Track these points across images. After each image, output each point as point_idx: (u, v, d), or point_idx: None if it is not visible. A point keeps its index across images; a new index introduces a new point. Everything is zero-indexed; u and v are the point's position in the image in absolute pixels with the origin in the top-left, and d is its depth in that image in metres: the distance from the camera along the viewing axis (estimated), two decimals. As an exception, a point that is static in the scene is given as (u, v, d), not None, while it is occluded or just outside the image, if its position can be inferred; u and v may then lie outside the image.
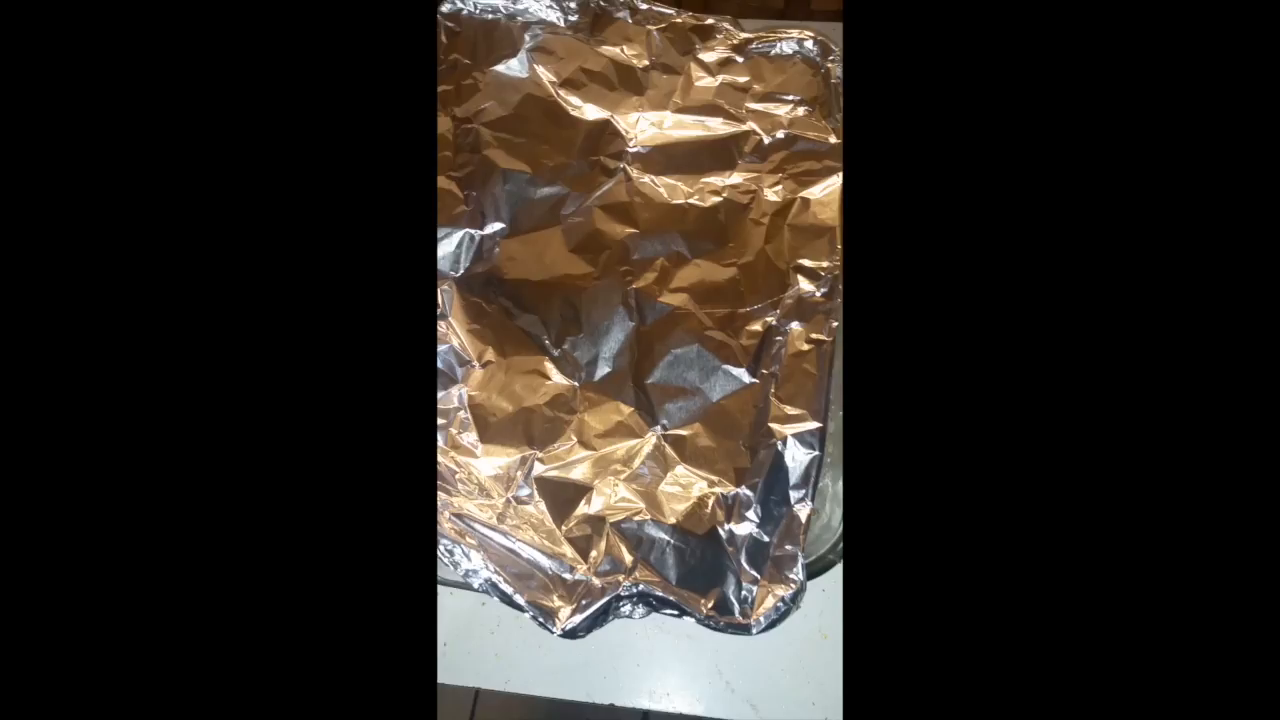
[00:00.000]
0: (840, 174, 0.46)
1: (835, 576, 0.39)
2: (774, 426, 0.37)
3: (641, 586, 0.32)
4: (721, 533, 0.34)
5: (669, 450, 0.37)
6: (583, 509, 0.35)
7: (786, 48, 0.52)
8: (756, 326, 0.41)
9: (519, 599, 0.31)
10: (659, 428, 0.38)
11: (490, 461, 0.37)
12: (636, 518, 0.34)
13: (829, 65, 0.51)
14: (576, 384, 0.39)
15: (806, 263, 0.43)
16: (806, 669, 0.39)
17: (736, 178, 0.47)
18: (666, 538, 0.34)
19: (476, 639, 0.38)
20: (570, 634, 0.30)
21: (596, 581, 0.32)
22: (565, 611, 0.31)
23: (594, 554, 0.33)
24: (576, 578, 0.33)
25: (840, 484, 0.38)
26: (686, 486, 0.36)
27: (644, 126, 0.48)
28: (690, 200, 0.46)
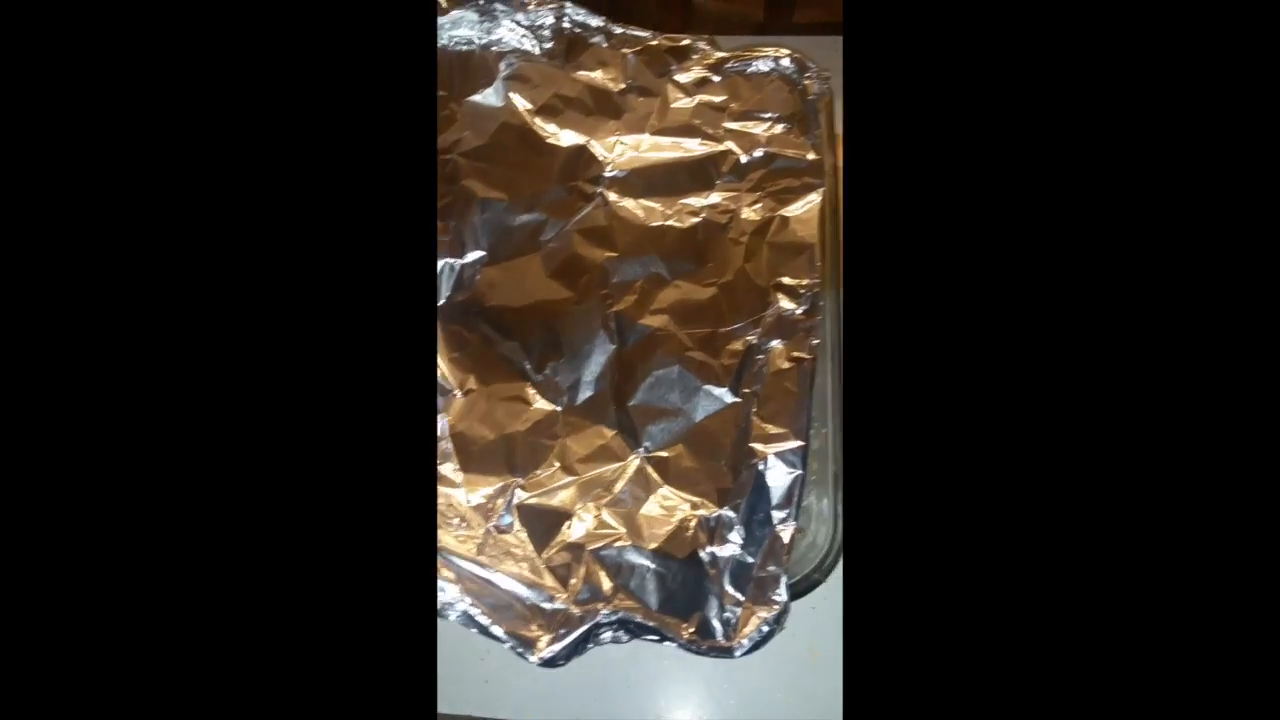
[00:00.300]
0: (820, 190, 0.46)
1: (825, 594, 0.39)
2: (756, 446, 0.37)
3: (621, 614, 0.32)
4: (703, 556, 0.34)
5: (652, 473, 0.37)
6: (563, 536, 0.35)
7: (763, 66, 0.52)
8: (737, 346, 0.41)
9: (496, 630, 0.31)
10: (642, 450, 0.38)
11: (472, 491, 0.37)
12: (617, 544, 0.34)
13: (806, 82, 0.51)
14: (559, 409, 0.39)
15: (786, 280, 0.43)
16: (799, 687, 0.39)
17: (715, 197, 0.47)
18: (647, 563, 0.34)
19: (466, 665, 0.38)
20: (549, 663, 0.30)
21: (575, 610, 0.32)
22: (544, 640, 0.31)
23: (573, 581, 0.33)
24: (555, 606, 0.32)
25: (825, 501, 0.38)
26: (669, 509, 0.36)
27: (621, 150, 0.48)
28: (669, 222, 0.46)
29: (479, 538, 0.35)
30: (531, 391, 0.40)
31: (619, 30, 0.53)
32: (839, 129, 0.52)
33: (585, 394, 0.40)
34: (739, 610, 0.32)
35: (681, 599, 0.33)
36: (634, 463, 0.38)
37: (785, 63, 0.52)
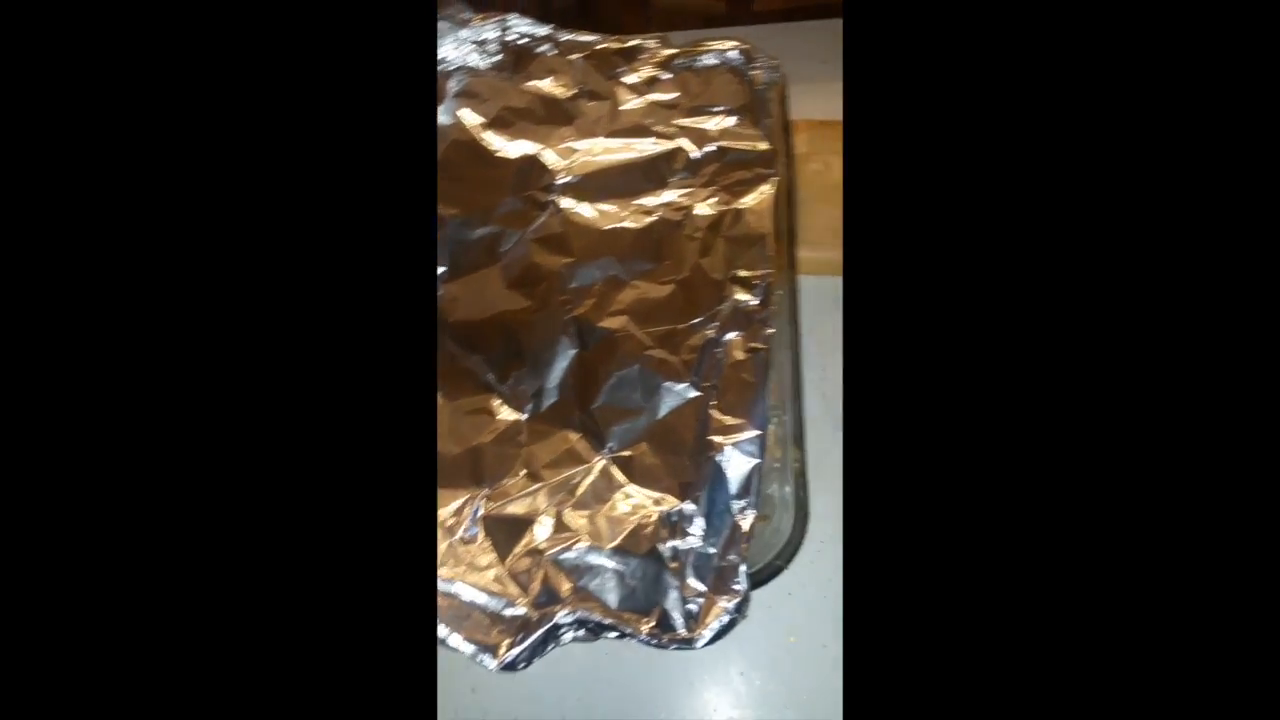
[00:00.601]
0: (772, 179, 0.47)
1: (799, 578, 0.40)
2: (715, 438, 0.38)
3: (579, 613, 0.32)
4: (664, 550, 0.35)
5: (616, 472, 0.38)
6: (526, 542, 0.36)
7: (710, 60, 0.53)
8: (696, 340, 0.42)
9: (454, 640, 0.32)
10: (606, 451, 0.39)
11: (440, 507, 0.38)
12: (577, 545, 0.35)
13: (753, 72, 0.52)
14: (524, 417, 0.40)
15: (742, 273, 0.44)
16: (778, 674, 0.40)
17: (669, 195, 0.47)
18: (606, 562, 0.35)
19: (453, 677, 0.39)
20: (510, 666, 0.31)
21: (534, 614, 0.33)
22: (504, 646, 0.32)
23: (533, 586, 0.34)
24: (515, 612, 0.33)
25: (787, 489, 0.38)
26: (633, 507, 0.37)
27: (574, 156, 0.49)
28: (624, 223, 0.46)
29: (440, 552, 0.36)
30: (497, 403, 0.41)
31: (566, 37, 0.54)
32: (792, 114, 0.52)
33: (549, 400, 0.41)
34: (701, 601, 0.33)
35: (641, 595, 0.33)
36: (599, 464, 0.38)
37: (732, 54, 0.52)
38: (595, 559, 0.34)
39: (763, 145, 0.48)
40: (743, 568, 0.34)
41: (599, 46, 0.53)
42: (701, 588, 0.34)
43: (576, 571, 0.34)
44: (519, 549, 0.35)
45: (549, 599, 0.33)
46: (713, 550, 0.35)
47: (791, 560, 0.36)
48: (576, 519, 0.36)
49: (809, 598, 0.41)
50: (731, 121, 0.49)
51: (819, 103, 0.57)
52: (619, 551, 0.35)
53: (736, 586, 0.33)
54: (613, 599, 0.33)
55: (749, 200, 0.46)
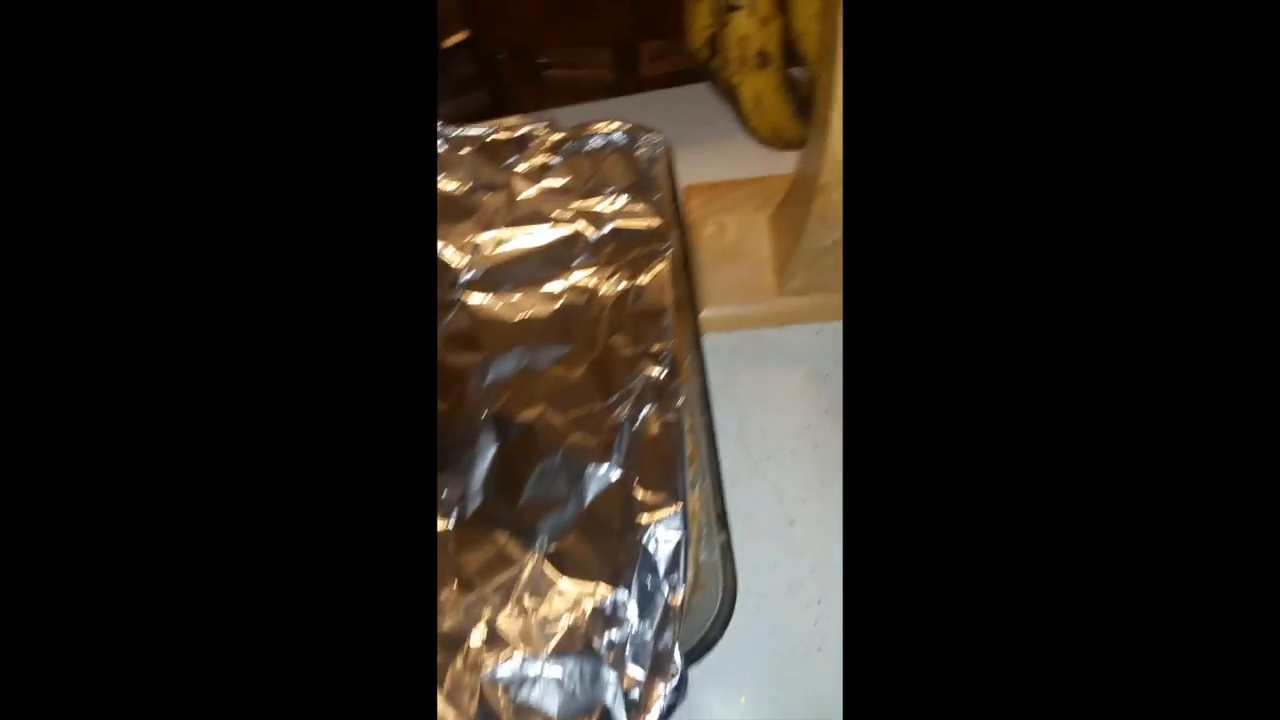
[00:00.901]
0: (666, 253, 0.48)
1: (738, 637, 0.40)
2: (640, 518, 0.39)
3: (521, 728, 0.33)
4: (599, 644, 0.35)
5: (549, 569, 0.39)
6: (461, 658, 0.36)
7: (597, 142, 0.54)
8: (613, 420, 0.43)
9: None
10: (538, 547, 0.40)
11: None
12: (513, 657, 0.36)
13: (639, 151, 0.54)
14: (450, 525, 0.41)
15: (649, 347, 0.45)
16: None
17: (573, 279, 0.49)
18: (544, 670, 0.35)
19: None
20: (454, 793, 0.32)
21: (474, 734, 0.33)
22: (445, 772, 0.32)
23: (471, 706, 0.34)
24: (454, 735, 0.34)
25: (716, 554, 0.39)
26: (568, 604, 0.37)
27: (477, 250, 0.50)
28: (532, 312, 0.48)
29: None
30: (424, 510, 0.41)
31: (454, 132, 0.55)
32: (684, 178, 0.55)
33: (474, 504, 0.41)
34: (640, 688, 0.34)
35: (581, 696, 0.34)
36: (530, 563, 0.39)
37: (617, 136, 0.54)
38: (532, 669, 0.35)
39: (654, 221, 0.50)
40: (676, 648, 0.35)
41: (489, 139, 0.55)
42: (640, 674, 0.34)
43: (513, 686, 0.34)
44: (455, 667, 0.35)
45: (487, 718, 0.34)
46: (648, 634, 0.36)
47: (725, 630, 0.37)
48: (511, 627, 0.36)
49: (751, 657, 0.42)
50: (623, 201, 0.51)
51: (710, 163, 0.60)
52: (555, 655, 0.35)
53: (673, 669, 0.34)
54: (553, 706, 0.34)
55: (646, 277, 0.48)
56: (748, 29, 0.45)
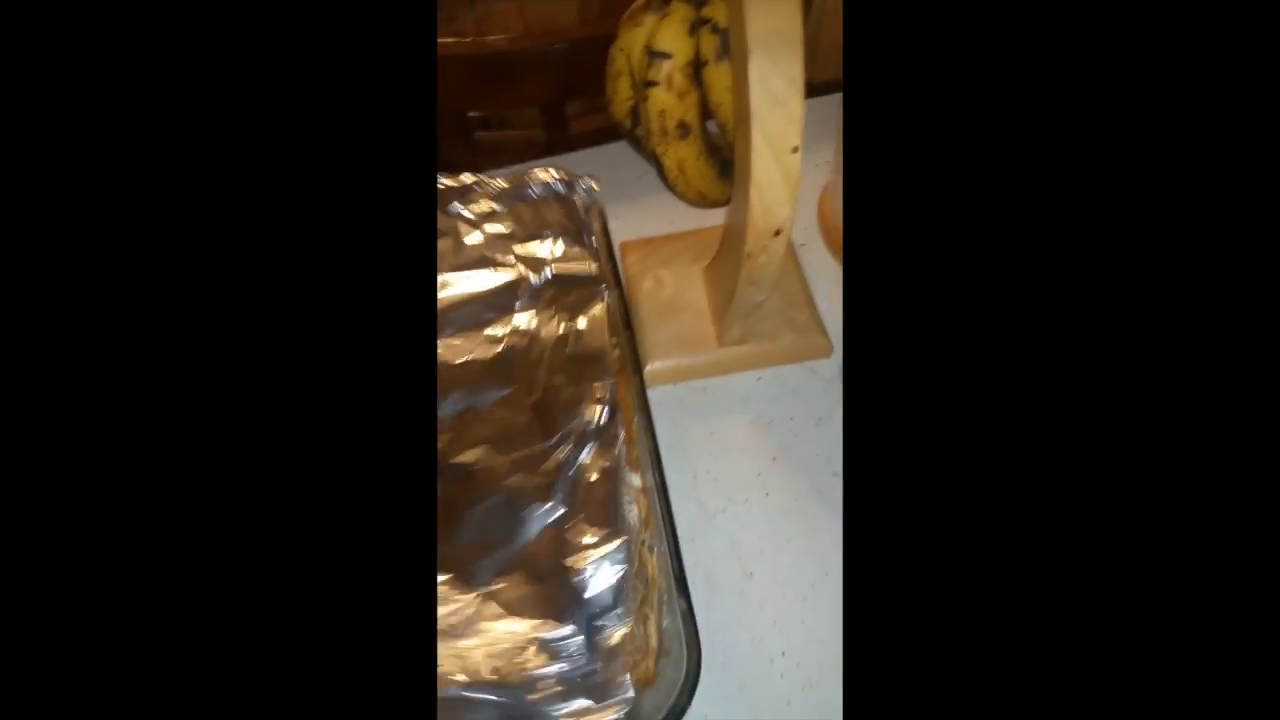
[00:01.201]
0: (602, 297, 0.50)
1: (710, 695, 0.39)
2: (583, 554, 0.40)
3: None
4: (546, 675, 0.36)
5: (490, 608, 0.39)
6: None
7: (536, 190, 0.56)
8: (553, 462, 0.44)
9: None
10: (480, 586, 0.40)
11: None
12: (453, 683, 0.35)
13: (575, 197, 0.56)
14: (391, 565, 0.40)
15: (589, 389, 0.46)
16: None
17: (515, 322, 0.50)
18: (486, 696, 0.35)
19: None
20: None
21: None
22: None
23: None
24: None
25: (678, 619, 0.37)
26: (513, 645, 0.37)
27: (418, 295, 0.51)
28: (473, 355, 0.48)
29: None
30: (363, 553, 0.41)
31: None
32: (618, 233, 0.57)
33: (416, 543, 0.41)
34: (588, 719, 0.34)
35: (526, 730, 0.34)
36: (473, 604, 0.39)
37: (555, 184, 0.56)
38: (475, 695, 0.35)
39: (590, 265, 0.52)
40: (628, 679, 0.35)
41: (438, 186, 0.56)
42: (588, 703, 0.35)
43: (455, 708, 0.34)
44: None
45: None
46: (593, 668, 0.36)
47: (693, 696, 0.35)
48: (453, 665, 0.36)
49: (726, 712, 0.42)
50: (561, 246, 0.53)
51: (643, 217, 0.62)
52: (498, 690, 0.35)
53: (624, 696, 0.34)
54: (498, 739, 0.34)
55: (584, 320, 0.49)
56: (666, 103, 0.47)
